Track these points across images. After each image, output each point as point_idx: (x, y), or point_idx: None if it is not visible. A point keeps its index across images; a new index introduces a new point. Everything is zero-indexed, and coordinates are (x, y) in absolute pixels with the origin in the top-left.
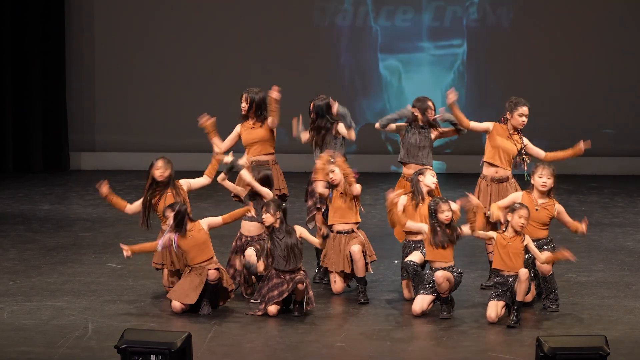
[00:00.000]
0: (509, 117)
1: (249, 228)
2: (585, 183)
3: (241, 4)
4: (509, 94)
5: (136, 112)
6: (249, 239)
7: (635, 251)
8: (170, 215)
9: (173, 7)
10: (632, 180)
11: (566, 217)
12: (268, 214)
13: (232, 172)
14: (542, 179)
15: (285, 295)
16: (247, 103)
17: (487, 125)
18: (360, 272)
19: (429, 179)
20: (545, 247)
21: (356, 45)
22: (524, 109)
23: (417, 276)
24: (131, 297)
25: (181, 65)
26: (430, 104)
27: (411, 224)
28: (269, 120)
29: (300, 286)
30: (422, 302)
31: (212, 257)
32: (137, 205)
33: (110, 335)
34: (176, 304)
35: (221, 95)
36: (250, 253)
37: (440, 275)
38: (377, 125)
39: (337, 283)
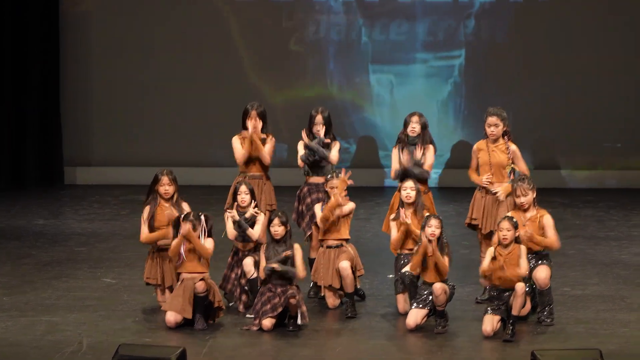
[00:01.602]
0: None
1: (245, 244)
2: (580, 196)
3: (235, 19)
4: (506, 105)
5: (132, 127)
6: (245, 252)
7: (630, 264)
8: (189, 224)
9: (169, 22)
10: (627, 193)
11: (548, 232)
12: (282, 227)
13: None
14: (520, 198)
15: (279, 309)
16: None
17: (474, 153)
18: (349, 288)
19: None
20: (542, 261)
21: (347, 58)
22: (491, 119)
23: (414, 287)
24: (126, 312)
25: (177, 79)
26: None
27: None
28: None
29: (292, 300)
30: (416, 316)
31: (205, 272)
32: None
33: (105, 350)
34: (170, 318)
35: (217, 110)
36: (249, 262)
37: (439, 287)
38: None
39: (330, 298)
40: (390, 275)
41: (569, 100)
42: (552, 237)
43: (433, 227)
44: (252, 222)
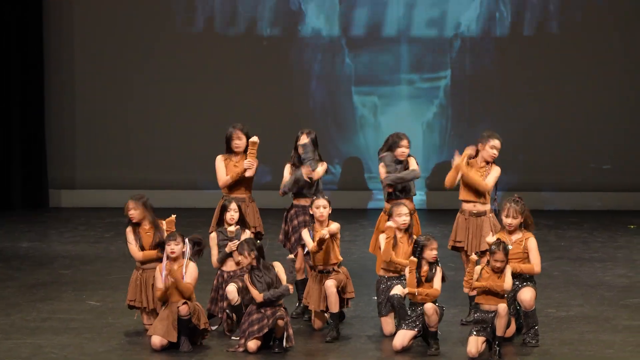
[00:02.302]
0: (480, 148)
1: (230, 264)
2: (565, 218)
3: (220, 41)
4: (490, 126)
5: (116, 149)
6: (231, 274)
7: (615, 286)
8: (175, 245)
9: (155, 44)
10: (611, 215)
11: (531, 255)
12: (242, 257)
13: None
14: (508, 219)
15: (265, 330)
16: (241, 140)
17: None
18: (333, 307)
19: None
20: (526, 283)
21: (331, 81)
22: (496, 142)
23: (402, 310)
24: (111, 334)
25: (162, 102)
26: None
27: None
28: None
29: (280, 322)
30: (403, 337)
31: (190, 297)
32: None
33: None
34: (156, 341)
35: (202, 132)
36: (232, 289)
37: (430, 307)
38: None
39: (317, 322)
40: (375, 297)
41: (553, 122)
42: (534, 260)
43: (434, 251)
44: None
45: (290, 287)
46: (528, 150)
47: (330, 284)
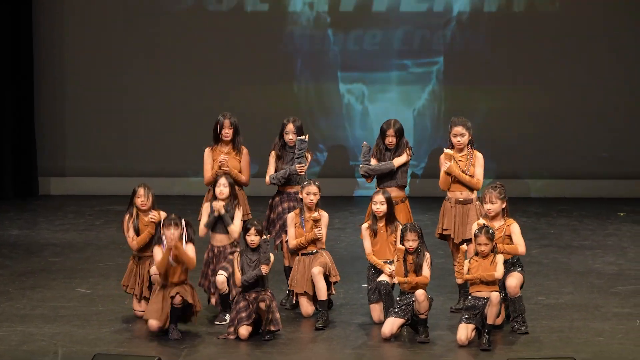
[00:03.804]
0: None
1: (220, 238)
2: (555, 206)
3: (208, 30)
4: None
5: (106, 137)
6: (221, 249)
7: (604, 273)
8: (174, 229)
9: (145, 33)
10: (601, 202)
11: (514, 238)
12: (258, 236)
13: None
14: (487, 205)
15: (253, 316)
16: (231, 129)
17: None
18: (321, 295)
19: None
20: (514, 269)
21: (319, 67)
22: (457, 129)
23: (389, 297)
24: (101, 322)
25: (152, 89)
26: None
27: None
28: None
29: (261, 304)
30: (392, 325)
31: (186, 280)
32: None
33: None
34: (153, 323)
35: (192, 120)
36: (221, 279)
37: (421, 293)
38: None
39: (304, 306)
40: (365, 284)
41: (547, 109)
42: (517, 242)
43: (410, 241)
44: (231, 216)
45: (264, 268)
46: (519, 138)
47: (317, 272)
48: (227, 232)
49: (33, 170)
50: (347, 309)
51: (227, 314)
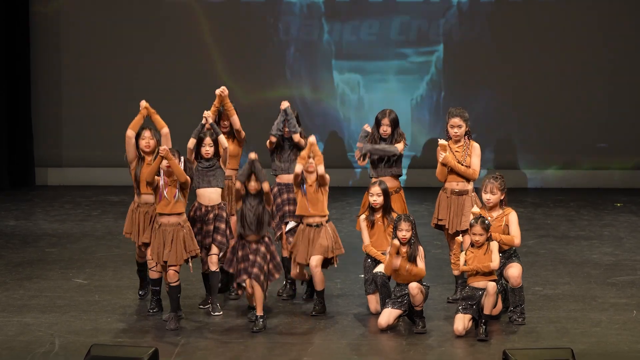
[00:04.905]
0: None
1: (210, 196)
2: (552, 196)
3: (205, 19)
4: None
5: (103, 128)
6: (209, 208)
7: (601, 264)
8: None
9: (141, 23)
10: (598, 193)
11: (511, 228)
12: (256, 182)
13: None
14: (487, 195)
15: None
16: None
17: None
18: (318, 286)
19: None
20: (512, 259)
21: (315, 56)
22: (454, 120)
23: (385, 288)
24: (98, 312)
25: (148, 80)
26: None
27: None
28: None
29: (240, 292)
30: (388, 316)
31: (182, 213)
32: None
33: (77, 350)
34: (154, 275)
35: (188, 109)
36: (215, 260)
37: (415, 286)
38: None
39: (296, 269)
40: (362, 275)
41: (545, 99)
42: (514, 232)
43: (404, 231)
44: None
45: (252, 155)
46: (519, 125)
47: (315, 264)
48: (218, 187)
49: (30, 161)
50: (344, 300)
51: (219, 308)
